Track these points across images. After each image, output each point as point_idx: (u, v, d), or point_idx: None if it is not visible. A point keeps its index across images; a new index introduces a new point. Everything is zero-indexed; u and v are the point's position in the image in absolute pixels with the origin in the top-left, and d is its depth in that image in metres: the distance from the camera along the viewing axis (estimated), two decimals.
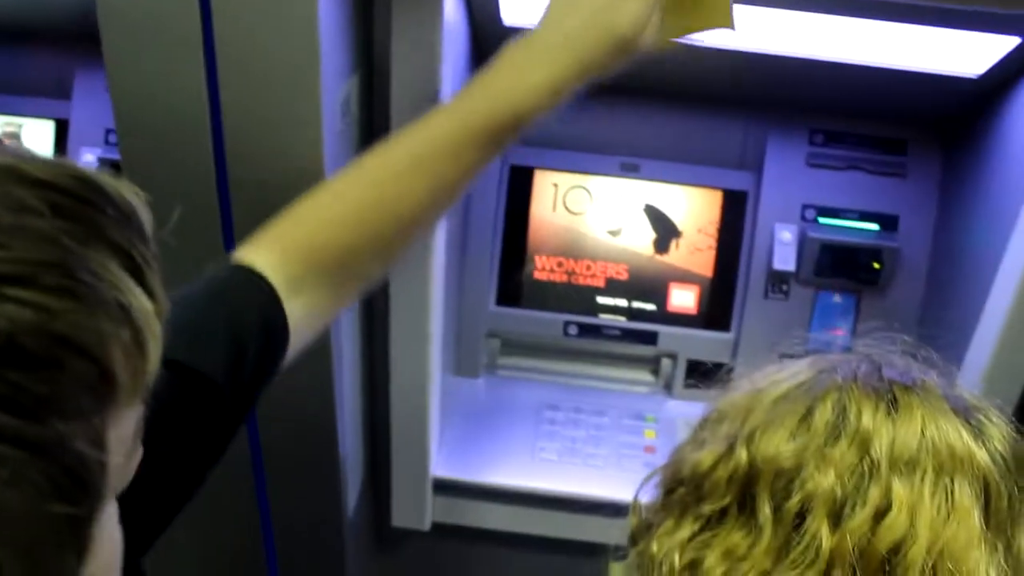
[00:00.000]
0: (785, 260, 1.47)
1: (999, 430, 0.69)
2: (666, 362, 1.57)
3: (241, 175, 1.05)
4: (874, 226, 1.48)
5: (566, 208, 1.54)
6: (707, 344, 1.55)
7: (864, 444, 0.66)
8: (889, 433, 0.66)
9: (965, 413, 0.69)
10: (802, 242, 1.47)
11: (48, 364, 0.42)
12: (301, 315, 0.86)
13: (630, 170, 1.53)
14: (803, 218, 1.49)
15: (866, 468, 0.65)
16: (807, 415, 0.68)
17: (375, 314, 1.36)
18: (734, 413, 0.72)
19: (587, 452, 1.47)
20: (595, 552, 0.85)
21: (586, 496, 1.34)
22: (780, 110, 1.49)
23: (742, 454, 0.68)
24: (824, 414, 0.68)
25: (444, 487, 1.44)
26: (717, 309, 1.54)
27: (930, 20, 1.18)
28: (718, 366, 1.53)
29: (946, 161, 1.46)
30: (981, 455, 0.66)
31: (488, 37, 1.36)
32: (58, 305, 0.43)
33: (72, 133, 1.51)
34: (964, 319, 1.32)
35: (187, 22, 0.97)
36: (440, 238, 1.29)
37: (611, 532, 0.80)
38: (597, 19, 0.90)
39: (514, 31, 1.30)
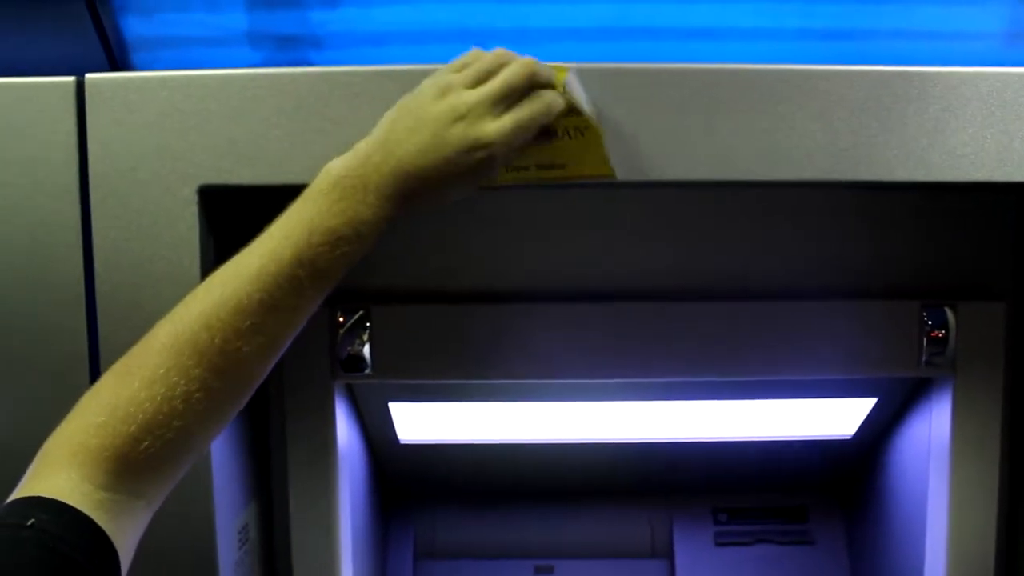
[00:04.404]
0: None
1: None
2: None
3: None
4: None
5: None
6: None
7: None
8: None
9: None
10: None
11: None
12: (128, 530, 0.76)
13: (545, 572, 1.51)
14: None
15: None
16: None
17: None
18: None
19: None
20: None
21: None
22: (681, 494, 1.53)
23: None
24: None
25: None
26: None
27: (792, 393, 1.27)
28: None
29: (847, 521, 1.49)
30: None
31: (386, 455, 1.40)
32: None
33: None
34: None
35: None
36: None
37: None
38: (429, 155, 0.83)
39: (410, 447, 1.36)
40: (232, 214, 1.03)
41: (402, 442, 1.36)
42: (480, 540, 1.50)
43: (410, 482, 1.49)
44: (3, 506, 0.73)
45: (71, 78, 0.95)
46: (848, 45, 1.06)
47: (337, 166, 0.83)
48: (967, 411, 1.16)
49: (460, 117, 0.83)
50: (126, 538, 0.75)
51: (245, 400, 0.84)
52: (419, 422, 1.33)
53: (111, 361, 0.96)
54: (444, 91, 0.85)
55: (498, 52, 0.88)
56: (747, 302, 1.14)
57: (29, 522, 0.70)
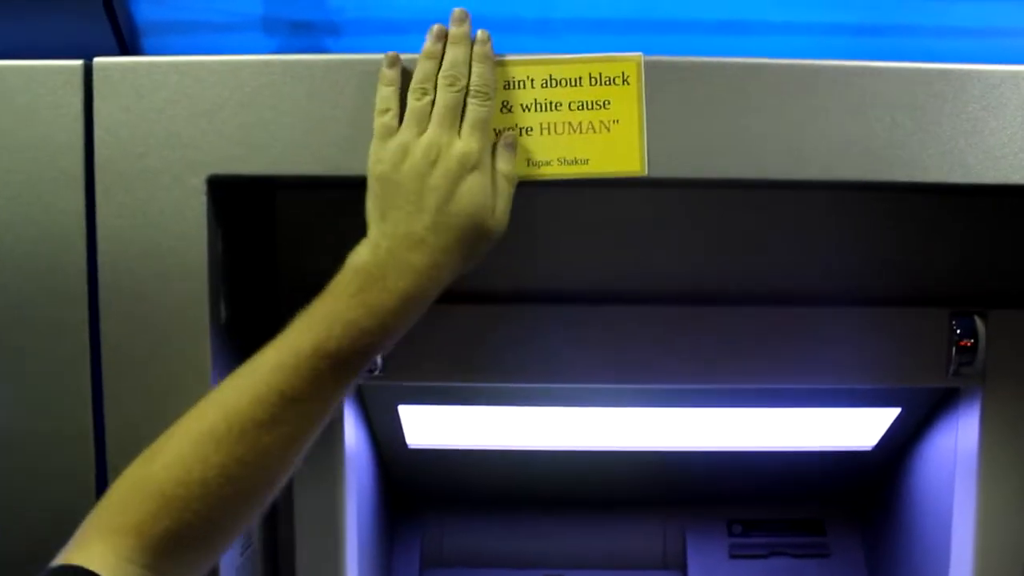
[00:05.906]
0: None
1: None
2: None
3: None
4: None
5: None
6: None
7: None
8: None
9: None
10: None
11: None
12: None
13: None
14: None
15: None
16: None
17: None
18: None
19: None
20: None
21: None
22: (695, 505, 1.50)
23: None
24: None
25: None
26: None
27: (812, 402, 1.25)
28: None
29: (865, 534, 1.46)
30: None
31: (394, 459, 1.37)
32: None
33: None
34: None
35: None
36: None
37: None
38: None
39: (419, 452, 1.34)
40: (241, 206, 1.01)
41: (410, 446, 1.34)
42: (488, 548, 1.48)
43: (418, 487, 1.46)
44: (45, 571, 0.75)
45: (78, 61, 0.92)
46: (883, 40, 1.04)
47: (354, 259, 0.84)
48: (996, 422, 1.13)
49: (434, 161, 0.84)
50: None
51: (277, 486, 0.85)
52: (428, 426, 1.30)
53: (113, 354, 0.94)
54: (403, 152, 0.85)
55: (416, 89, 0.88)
56: (770, 307, 1.11)
57: None
